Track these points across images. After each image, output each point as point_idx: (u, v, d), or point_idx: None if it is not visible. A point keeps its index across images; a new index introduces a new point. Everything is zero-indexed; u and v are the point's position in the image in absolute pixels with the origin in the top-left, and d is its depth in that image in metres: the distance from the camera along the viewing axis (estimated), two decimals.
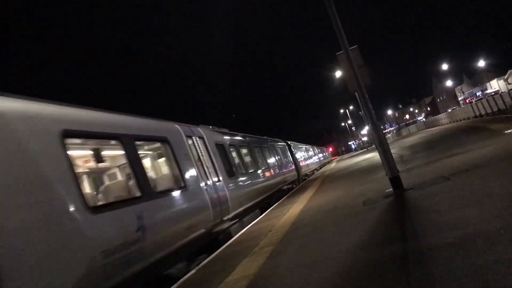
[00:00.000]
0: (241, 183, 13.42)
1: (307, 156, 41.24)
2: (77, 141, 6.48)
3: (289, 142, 30.29)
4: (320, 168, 47.50)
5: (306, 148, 43.33)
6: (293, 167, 27.64)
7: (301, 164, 32.55)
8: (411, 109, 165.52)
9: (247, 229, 10.73)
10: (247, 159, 16.62)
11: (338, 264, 4.54)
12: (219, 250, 8.59)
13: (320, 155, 59.60)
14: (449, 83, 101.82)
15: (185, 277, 6.81)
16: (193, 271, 7.07)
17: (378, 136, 8.53)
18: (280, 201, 16.43)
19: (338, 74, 38.96)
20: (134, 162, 7.15)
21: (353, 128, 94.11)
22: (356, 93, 9.67)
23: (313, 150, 51.24)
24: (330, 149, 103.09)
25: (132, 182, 7.24)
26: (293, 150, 30.35)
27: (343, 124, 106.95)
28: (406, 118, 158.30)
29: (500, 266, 3.01)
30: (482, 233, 3.86)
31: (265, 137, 23.65)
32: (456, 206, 5.31)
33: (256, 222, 11.70)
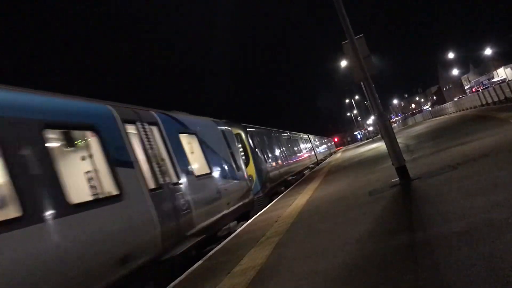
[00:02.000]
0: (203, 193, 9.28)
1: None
2: None
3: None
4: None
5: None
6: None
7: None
8: (417, 99, 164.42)
9: (254, 219, 10.78)
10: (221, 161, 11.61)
11: (345, 254, 4.55)
12: (226, 240, 8.64)
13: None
14: (455, 72, 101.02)
15: (193, 267, 6.86)
16: (200, 261, 7.13)
17: (384, 126, 8.49)
18: (286, 191, 16.48)
19: (344, 63, 38.81)
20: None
21: (359, 118, 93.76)
22: (362, 83, 9.60)
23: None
24: (336, 139, 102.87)
25: None
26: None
27: (348, 114, 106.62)
28: (412, 108, 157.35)
29: (508, 255, 3.00)
30: (489, 222, 3.85)
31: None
32: (463, 195, 5.29)
33: (262, 212, 11.74)
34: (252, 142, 17.05)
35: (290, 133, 29.85)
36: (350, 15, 8.84)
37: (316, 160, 38.89)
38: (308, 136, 41.47)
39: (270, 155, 19.77)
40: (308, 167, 31.55)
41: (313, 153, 39.20)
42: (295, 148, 29.77)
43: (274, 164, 19.86)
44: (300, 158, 30.15)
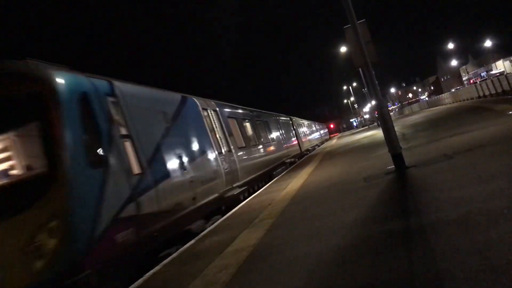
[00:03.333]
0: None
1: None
2: None
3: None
4: (322, 143, 49.51)
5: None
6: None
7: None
8: (415, 88, 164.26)
9: (247, 201, 10.79)
10: None
11: (339, 238, 4.55)
12: (219, 221, 8.65)
13: (322, 131, 59.66)
14: (454, 62, 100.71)
15: (186, 246, 6.87)
16: (192, 241, 7.13)
17: (382, 113, 8.45)
18: (280, 175, 16.48)
19: (343, 49, 38.55)
20: None
21: (355, 106, 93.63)
22: (360, 70, 9.54)
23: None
24: (332, 126, 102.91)
25: None
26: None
27: (345, 101, 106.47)
28: (409, 97, 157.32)
29: (502, 244, 2.99)
30: (484, 211, 3.84)
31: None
32: (459, 184, 5.29)
33: (256, 195, 11.76)
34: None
35: (249, 111, 18.24)
36: (353, 1, 8.69)
37: (299, 152, 29.19)
38: (291, 119, 30.85)
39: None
40: (284, 163, 21.60)
41: (295, 141, 29.18)
42: (261, 135, 18.40)
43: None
44: (270, 151, 19.08)
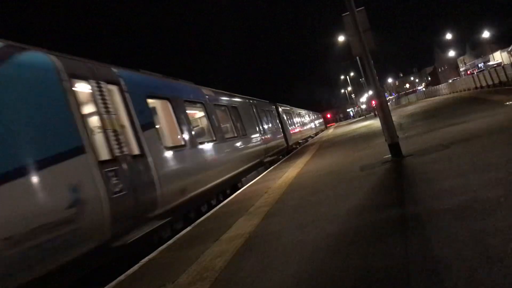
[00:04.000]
0: None
1: (300, 120, 37.00)
2: None
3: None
4: (316, 135, 44.51)
5: (301, 113, 39.97)
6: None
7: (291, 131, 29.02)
8: (412, 79, 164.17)
9: (243, 190, 10.79)
10: None
11: (334, 227, 4.55)
12: (215, 208, 8.65)
13: (317, 121, 54.05)
14: (451, 53, 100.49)
15: (181, 233, 6.87)
16: (188, 228, 7.13)
17: (380, 102, 8.43)
18: (277, 164, 16.48)
19: (341, 38, 38.34)
20: None
21: (352, 95, 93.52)
22: (358, 59, 9.50)
23: (312, 117, 49.01)
24: (329, 116, 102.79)
25: None
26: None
27: (342, 91, 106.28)
28: (406, 87, 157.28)
29: (499, 232, 2.99)
30: (481, 200, 3.84)
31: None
32: (455, 173, 5.29)
33: (252, 183, 11.75)
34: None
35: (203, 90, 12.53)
36: None
37: (285, 146, 23.72)
38: (275, 107, 24.92)
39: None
40: (261, 163, 16.77)
41: (280, 134, 23.18)
42: (221, 127, 12.70)
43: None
44: (239, 149, 13.74)
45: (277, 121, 23.92)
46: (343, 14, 8.96)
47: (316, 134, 45.55)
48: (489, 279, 2.39)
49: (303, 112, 42.25)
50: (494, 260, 2.59)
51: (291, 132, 27.55)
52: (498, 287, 2.29)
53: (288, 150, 24.07)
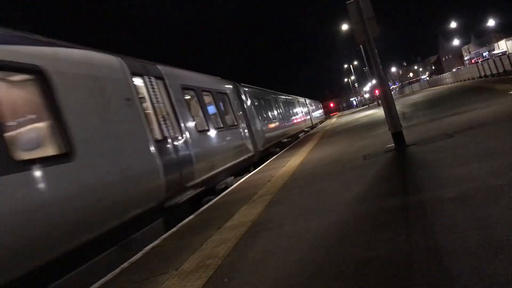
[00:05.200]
0: None
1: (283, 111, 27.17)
2: None
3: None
4: (311, 128, 36.85)
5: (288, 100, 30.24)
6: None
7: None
8: (416, 68, 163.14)
9: (246, 178, 10.81)
10: None
11: (337, 215, 4.55)
12: (219, 196, 8.68)
13: (316, 112, 46.65)
14: (456, 42, 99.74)
15: (184, 221, 6.91)
16: (192, 216, 7.17)
17: (384, 91, 8.38)
18: (279, 153, 16.48)
19: (345, 27, 38.03)
20: None
21: (356, 85, 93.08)
22: (361, 47, 9.42)
23: (303, 106, 37.22)
24: (332, 105, 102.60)
25: None
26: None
27: (346, 79, 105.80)
28: (410, 76, 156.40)
29: (502, 221, 2.98)
30: (485, 189, 3.83)
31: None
32: (459, 162, 5.26)
33: (255, 172, 11.77)
34: None
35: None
36: None
37: (251, 155, 14.15)
38: (235, 86, 15.55)
39: None
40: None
41: (240, 140, 13.40)
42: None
43: None
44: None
45: (235, 112, 14.37)
46: (348, 2, 8.87)
47: (312, 127, 38.26)
48: (493, 267, 2.39)
49: (294, 100, 32.15)
50: (498, 248, 2.58)
51: (264, 128, 17.97)
52: (502, 275, 2.29)
53: (254, 160, 15.04)
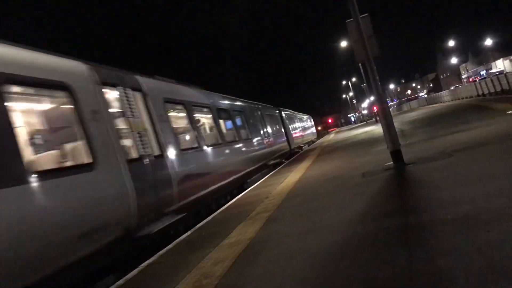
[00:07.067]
0: None
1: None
2: None
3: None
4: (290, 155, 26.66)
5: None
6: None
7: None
8: (414, 85, 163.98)
9: (244, 194, 10.74)
10: None
11: (336, 234, 4.50)
12: (216, 213, 8.61)
13: (307, 130, 40.27)
14: (454, 60, 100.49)
15: (181, 237, 6.83)
16: (189, 232, 7.09)
17: (382, 108, 8.39)
18: (277, 169, 16.44)
19: (344, 44, 38.33)
20: None
21: (354, 101, 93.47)
22: (360, 65, 9.47)
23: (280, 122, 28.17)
24: (330, 120, 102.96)
25: None
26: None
27: (344, 96, 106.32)
28: (408, 94, 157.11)
29: (504, 244, 2.95)
30: (486, 210, 3.79)
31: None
32: (459, 182, 5.24)
33: (253, 188, 11.71)
34: None
35: None
36: None
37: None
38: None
39: None
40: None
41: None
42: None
43: None
44: None
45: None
46: (347, 20, 8.95)
47: (300, 147, 31.52)
48: None
49: (266, 112, 21.63)
50: (500, 272, 2.54)
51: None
52: None
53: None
